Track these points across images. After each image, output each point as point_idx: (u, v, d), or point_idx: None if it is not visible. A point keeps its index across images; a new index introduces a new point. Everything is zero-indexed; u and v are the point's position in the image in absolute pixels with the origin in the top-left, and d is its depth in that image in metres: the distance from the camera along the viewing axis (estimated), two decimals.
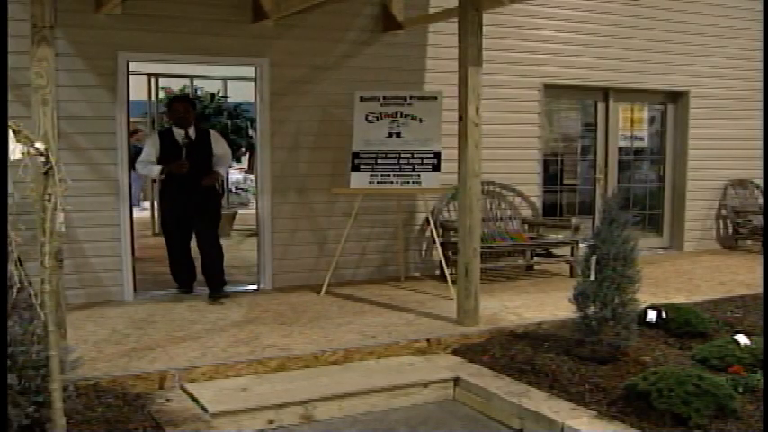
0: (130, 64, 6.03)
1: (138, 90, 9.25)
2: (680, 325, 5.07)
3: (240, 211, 11.10)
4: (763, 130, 8.46)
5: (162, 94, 10.97)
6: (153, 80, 9.99)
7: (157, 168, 5.93)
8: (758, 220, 8.79)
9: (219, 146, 6.11)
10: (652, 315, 5.16)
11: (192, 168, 5.82)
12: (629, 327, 4.47)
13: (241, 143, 10.53)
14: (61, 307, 4.17)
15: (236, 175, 14.20)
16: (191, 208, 5.90)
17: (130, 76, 6.10)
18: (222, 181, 6.06)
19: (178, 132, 5.95)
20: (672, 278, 7.17)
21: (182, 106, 6.01)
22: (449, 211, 7.27)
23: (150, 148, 5.99)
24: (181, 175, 5.83)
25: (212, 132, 6.23)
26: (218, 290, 6.06)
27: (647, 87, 8.44)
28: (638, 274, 4.48)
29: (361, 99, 6.54)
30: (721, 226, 9.11)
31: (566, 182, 8.60)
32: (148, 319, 5.46)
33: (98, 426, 3.53)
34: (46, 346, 2.98)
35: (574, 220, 7.46)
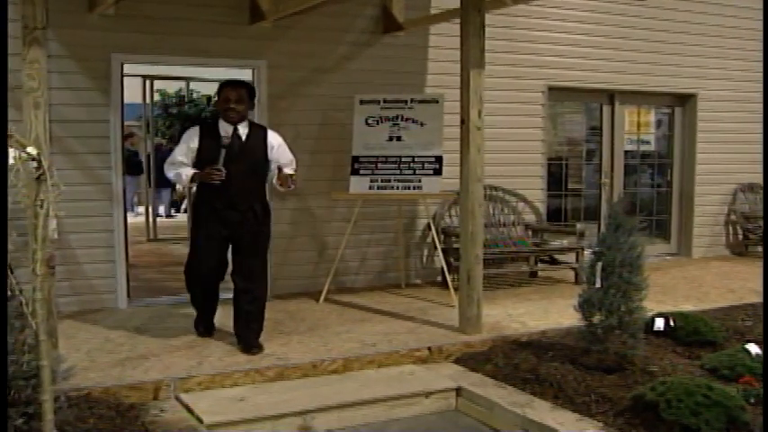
0: (125, 66, 6.03)
1: (133, 92, 9.25)
2: (689, 334, 5.06)
3: None
4: (764, 131, 8.46)
5: (157, 97, 11.01)
6: (148, 82, 9.99)
7: (186, 175, 4.61)
8: None
9: (280, 152, 4.75)
10: (660, 323, 5.15)
11: (234, 179, 4.49)
12: (636, 335, 4.46)
13: None
14: (53, 315, 4.16)
15: None
16: (231, 231, 4.65)
17: (125, 79, 6.09)
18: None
19: (225, 129, 4.62)
20: (680, 285, 7.15)
21: (234, 93, 4.58)
22: (450, 216, 7.26)
23: (185, 145, 4.64)
24: (220, 187, 4.50)
25: (271, 133, 4.79)
26: (255, 343, 4.76)
27: (654, 90, 8.44)
28: (644, 282, 4.46)
29: (361, 102, 6.53)
30: (731, 231, 9.10)
31: (570, 186, 8.59)
32: (143, 327, 5.44)
33: None
34: (37, 355, 2.97)
35: (579, 226, 7.45)
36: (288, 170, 4.69)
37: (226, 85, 4.67)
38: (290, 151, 4.86)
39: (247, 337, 4.74)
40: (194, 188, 4.82)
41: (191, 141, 4.65)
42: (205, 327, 5.12)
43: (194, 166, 4.62)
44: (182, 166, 4.65)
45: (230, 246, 4.74)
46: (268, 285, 4.90)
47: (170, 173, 4.71)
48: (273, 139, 4.76)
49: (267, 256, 4.93)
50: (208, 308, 5.07)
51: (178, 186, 5.29)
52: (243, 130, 4.65)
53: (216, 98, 4.72)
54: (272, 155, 4.72)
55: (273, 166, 4.71)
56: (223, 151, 4.53)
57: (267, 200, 4.83)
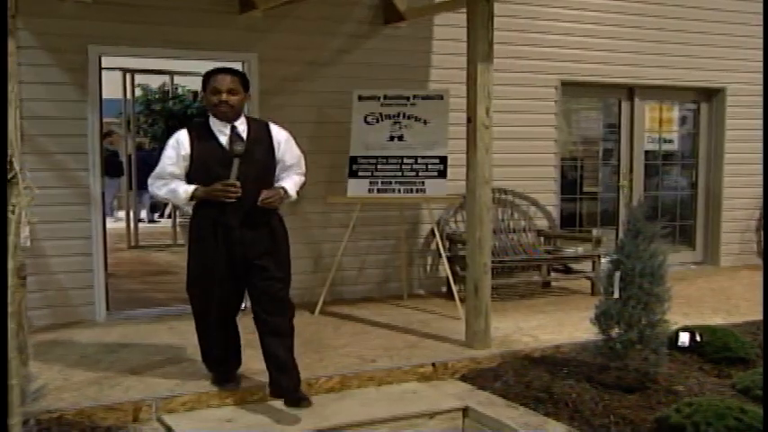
0: (103, 58, 6.03)
1: (112, 87, 9.26)
2: (717, 350, 5.04)
3: None
4: (764, 131, 8.47)
5: (138, 92, 11.01)
6: (128, 76, 10.01)
7: (185, 192, 3.97)
8: None
9: (286, 148, 4.18)
10: (685, 338, 5.14)
11: (244, 190, 3.91)
12: (659, 351, 4.45)
13: None
14: (23, 329, 4.12)
15: None
16: (245, 254, 4.03)
17: (103, 72, 6.09)
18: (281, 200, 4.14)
19: (220, 129, 4.01)
20: (707, 297, 7.14)
21: (225, 82, 3.96)
22: (456, 221, 7.25)
23: (174, 154, 4.00)
24: (230, 205, 3.93)
25: (275, 127, 4.21)
26: (302, 394, 4.18)
27: (678, 84, 8.43)
28: (667, 293, 4.46)
29: (360, 98, 6.53)
30: (762, 238, 9.07)
31: (586, 189, 8.58)
32: (123, 342, 5.42)
33: None
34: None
35: (595, 232, 7.44)
36: (288, 181, 4.14)
37: (214, 74, 3.99)
38: (298, 146, 4.28)
39: (289, 388, 4.11)
40: (191, 205, 4.18)
41: (180, 148, 3.98)
42: (224, 374, 4.40)
43: (190, 178, 4.00)
44: (173, 179, 3.98)
45: (244, 272, 4.10)
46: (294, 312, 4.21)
47: (160, 190, 4.02)
48: (278, 133, 4.16)
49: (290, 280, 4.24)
50: (225, 353, 4.36)
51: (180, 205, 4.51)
52: (242, 127, 4.03)
53: (202, 92, 4.06)
54: (278, 153, 4.13)
55: (278, 168, 4.16)
56: (236, 162, 3.84)
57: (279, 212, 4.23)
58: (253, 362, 4.92)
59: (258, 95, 6.41)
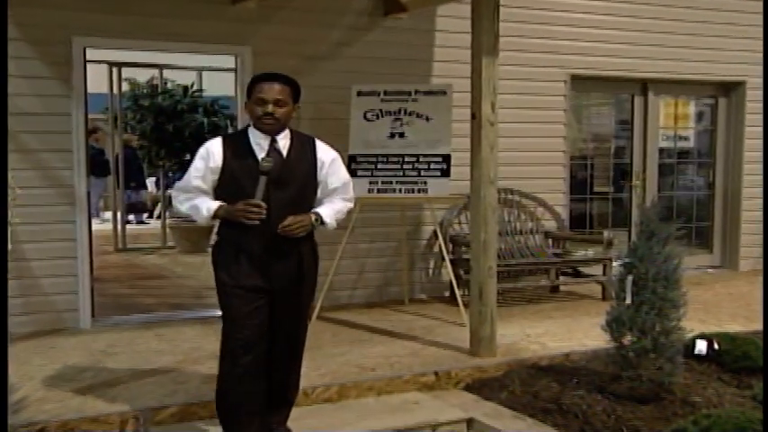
0: (88, 51, 6.03)
1: (98, 82, 9.25)
2: (736, 359, 5.03)
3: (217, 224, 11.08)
4: (764, 131, 8.47)
5: (125, 87, 11.00)
6: (115, 70, 10.01)
7: (208, 210, 3.68)
8: None
9: (331, 170, 3.84)
10: (702, 346, 5.13)
11: (275, 211, 3.59)
12: (674, 360, 4.44)
13: None
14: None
15: None
16: (272, 284, 3.73)
17: (88, 65, 6.10)
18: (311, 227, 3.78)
19: (259, 142, 3.70)
20: (725, 302, 7.13)
21: (273, 90, 3.67)
22: (460, 223, 7.25)
23: (202, 165, 3.70)
24: (254, 228, 3.59)
25: (322, 145, 3.87)
26: (283, 429, 4.03)
27: (694, 77, 8.42)
28: (683, 298, 4.45)
29: (359, 94, 6.53)
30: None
31: (596, 189, 8.58)
32: (109, 350, 5.42)
33: None
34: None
35: (606, 234, 7.43)
36: (327, 206, 3.79)
37: (260, 80, 3.69)
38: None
39: (273, 422, 3.97)
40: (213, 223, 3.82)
41: (210, 159, 3.66)
42: (253, 409, 3.83)
43: (217, 193, 3.71)
44: (199, 194, 3.70)
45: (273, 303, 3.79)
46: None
47: (182, 205, 3.76)
48: (325, 152, 3.82)
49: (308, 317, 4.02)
50: (257, 384, 3.82)
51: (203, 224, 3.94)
52: (283, 142, 3.71)
53: (246, 100, 3.75)
54: (320, 175, 3.79)
55: (320, 191, 3.82)
56: (263, 179, 3.53)
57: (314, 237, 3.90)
58: None
59: None
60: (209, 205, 3.67)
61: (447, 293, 7.10)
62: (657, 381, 4.45)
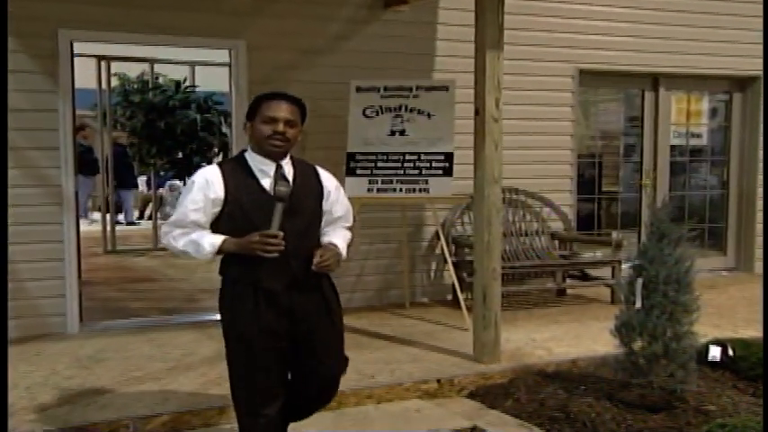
0: (75, 44, 6.03)
1: (86, 76, 9.25)
2: (752, 365, 5.02)
3: None
4: (764, 131, 8.46)
5: (115, 82, 11.00)
6: (104, 64, 10.01)
7: (211, 245, 3.37)
8: None
9: (337, 198, 3.70)
10: (716, 352, 5.13)
11: (291, 244, 3.35)
12: (687, 366, 4.44)
13: (213, 142, 10.55)
14: None
15: None
16: (293, 325, 3.48)
17: (75, 59, 6.09)
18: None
19: (261, 168, 3.46)
20: (740, 306, 7.13)
21: (284, 111, 3.45)
22: (463, 224, 7.25)
23: (200, 195, 3.40)
24: (273, 259, 3.32)
25: (324, 173, 3.72)
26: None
27: (708, 72, 8.41)
28: (695, 302, 4.45)
29: (358, 90, 6.53)
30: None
31: (605, 188, 8.58)
32: (97, 356, 5.42)
33: None
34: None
35: (615, 235, 7.43)
36: (336, 236, 3.63)
37: (268, 98, 3.46)
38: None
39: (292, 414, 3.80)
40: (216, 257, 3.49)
41: (210, 189, 3.37)
42: None
43: (217, 229, 3.41)
44: (196, 228, 3.37)
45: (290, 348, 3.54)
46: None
47: (177, 242, 3.40)
48: (328, 180, 3.67)
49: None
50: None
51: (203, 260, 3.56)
52: (288, 168, 3.49)
53: (247, 121, 3.50)
54: (326, 203, 3.63)
55: (324, 221, 3.64)
56: (279, 207, 3.29)
57: None
58: None
59: (247, 86, 6.42)
60: (211, 240, 3.35)
61: (449, 297, 7.09)
62: (669, 388, 4.45)
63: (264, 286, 3.37)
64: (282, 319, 3.41)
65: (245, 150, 3.53)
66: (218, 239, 3.36)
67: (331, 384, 3.72)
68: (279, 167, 3.44)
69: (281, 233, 3.26)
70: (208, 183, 3.38)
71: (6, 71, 3.74)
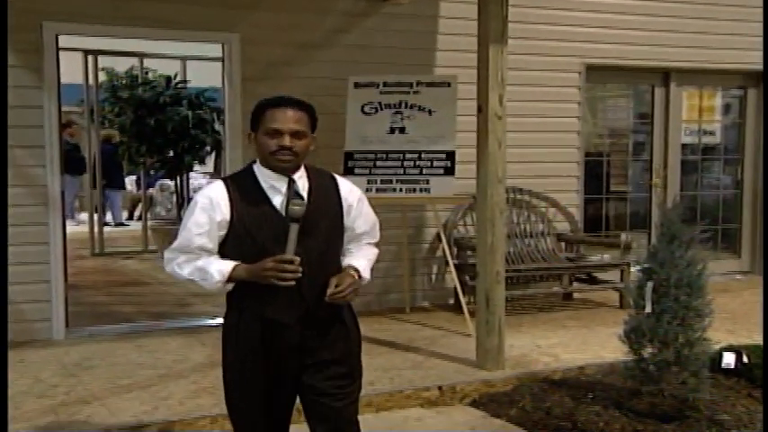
0: (60, 37, 6.03)
1: (72, 71, 9.25)
2: None
3: None
4: (764, 131, 8.44)
5: (102, 77, 10.99)
6: (90, 58, 10.01)
7: (220, 272, 3.08)
8: None
9: (361, 211, 3.39)
10: (730, 359, 5.12)
11: (308, 269, 3.05)
12: (700, 374, 4.43)
13: (205, 140, 10.53)
14: None
15: (199, 179, 14.21)
16: (303, 363, 3.16)
17: (61, 53, 6.09)
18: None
19: (272, 183, 3.16)
20: (754, 311, 7.10)
21: (289, 119, 3.14)
22: (465, 225, 7.25)
23: (204, 218, 3.13)
24: (284, 293, 3.04)
25: (344, 183, 3.38)
26: None
27: (721, 66, 8.41)
28: (708, 306, 4.45)
29: (357, 85, 6.53)
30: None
31: (613, 188, 8.58)
32: (84, 363, 5.41)
33: None
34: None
35: (624, 237, 7.43)
36: (358, 256, 3.34)
37: (270, 106, 3.17)
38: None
39: None
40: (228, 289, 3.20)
41: (216, 211, 3.10)
42: None
43: (223, 251, 3.15)
44: (203, 254, 3.12)
45: (299, 387, 3.22)
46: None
47: (182, 269, 3.14)
48: (349, 192, 3.34)
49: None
50: None
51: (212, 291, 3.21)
52: (301, 182, 3.19)
53: (250, 131, 3.24)
54: (348, 219, 3.31)
55: (346, 237, 3.34)
56: (294, 229, 3.01)
57: None
58: None
59: (240, 82, 6.42)
60: (220, 267, 3.06)
61: (451, 301, 7.09)
62: (681, 397, 4.44)
63: (272, 318, 3.07)
64: (292, 358, 3.11)
65: (253, 162, 3.23)
66: (227, 266, 3.06)
67: (348, 422, 3.29)
68: (291, 183, 3.13)
69: (298, 258, 2.97)
70: (212, 203, 3.10)
71: (6, 70, 3.77)
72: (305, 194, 3.15)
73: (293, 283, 2.98)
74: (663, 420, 4.38)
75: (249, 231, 3.08)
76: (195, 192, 14.94)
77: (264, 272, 2.98)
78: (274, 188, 3.13)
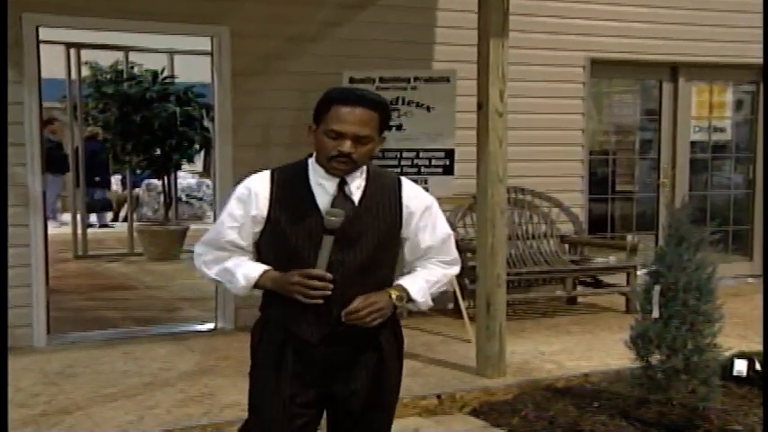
0: (41, 30, 6.01)
1: (54, 65, 9.23)
2: None
3: (193, 226, 11.09)
4: (764, 130, 8.46)
5: (86, 71, 10.97)
6: (73, 52, 9.98)
7: (246, 278, 2.90)
8: None
9: (427, 222, 3.00)
10: (741, 367, 5.12)
11: (342, 284, 2.81)
12: (710, 382, 4.43)
13: (194, 138, 10.53)
14: None
15: (188, 179, 14.22)
16: (332, 387, 2.95)
17: (42, 47, 6.08)
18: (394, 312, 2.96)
19: (321, 182, 2.91)
20: None
21: (357, 120, 2.84)
22: (465, 226, 7.25)
23: (240, 210, 2.93)
24: (313, 309, 2.82)
25: (409, 187, 3.02)
26: None
27: (732, 60, 8.41)
28: (718, 311, 4.45)
29: (352, 81, 6.51)
30: None
31: (619, 188, 8.59)
32: (66, 371, 5.40)
33: None
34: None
35: (630, 239, 7.43)
36: (415, 277, 2.99)
37: (338, 101, 2.87)
38: (448, 223, 3.14)
39: None
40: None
41: (252, 204, 2.89)
42: None
43: (261, 252, 2.98)
44: (234, 252, 2.94)
45: (325, 410, 3.04)
46: None
47: (210, 267, 2.97)
48: (414, 198, 2.99)
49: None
50: None
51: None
52: (357, 183, 2.92)
53: (313, 125, 2.95)
54: (407, 230, 2.97)
55: (408, 252, 3.01)
56: (328, 241, 2.78)
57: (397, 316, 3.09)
58: (227, 393, 4.90)
59: (230, 77, 6.41)
60: (246, 270, 2.88)
61: (450, 305, 7.07)
62: (690, 406, 4.44)
63: (296, 333, 2.87)
64: (316, 384, 2.90)
65: (310, 156, 2.97)
66: (255, 271, 2.88)
67: None
68: (343, 185, 2.87)
69: (329, 275, 2.75)
70: (251, 195, 2.89)
71: (6, 72, 3.76)
72: (357, 196, 2.90)
73: (320, 301, 2.76)
74: (671, 431, 4.38)
75: (283, 231, 2.87)
76: (183, 192, 14.97)
77: (290, 285, 2.79)
78: (323, 187, 2.89)
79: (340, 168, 2.84)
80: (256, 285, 2.88)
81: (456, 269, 3.10)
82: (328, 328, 2.83)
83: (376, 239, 2.87)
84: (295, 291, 2.76)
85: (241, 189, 2.93)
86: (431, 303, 2.99)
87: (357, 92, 2.89)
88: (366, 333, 2.87)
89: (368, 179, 2.94)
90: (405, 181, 3.02)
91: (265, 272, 2.86)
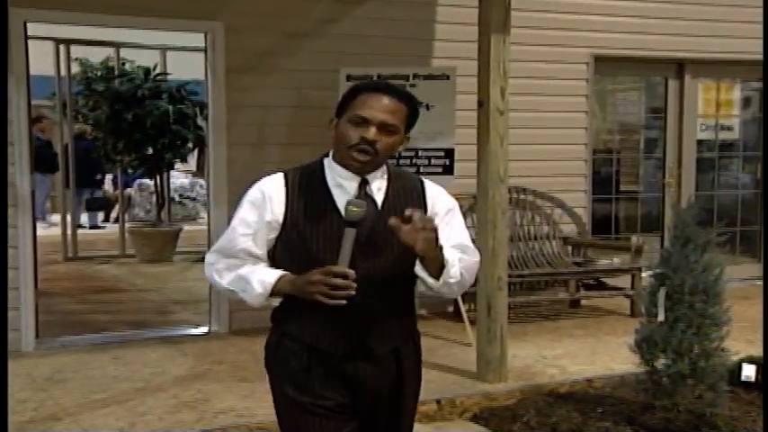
0: (29, 25, 6.02)
1: (43, 62, 9.22)
2: None
3: (186, 227, 11.10)
4: (764, 130, 8.50)
5: (76, 68, 10.97)
6: (63, 48, 9.98)
7: (262, 284, 2.74)
8: None
9: (450, 223, 3.01)
10: (749, 372, 5.12)
11: (364, 290, 2.65)
12: (717, 387, 4.43)
13: (187, 136, 10.52)
14: None
15: (181, 178, 14.21)
16: (354, 398, 2.84)
17: (30, 42, 6.08)
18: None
19: (340, 182, 2.80)
20: None
21: (385, 108, 2.82)
22: (465, 227, 7.23)
23: (254, 215, 2.82)
24: (336, 310, 2.63)
25: (432, 188, 3.04)
26: None
27: (740, 57, 8.41)
28: (725, 314, 4.45)
29: (349, 78, 6.50)
30: None
31: (623, 188, 8.59)
32: (56, 376, 5.40)
33: None
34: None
35: (635, 240, 7.43)
36: (450, 250, 2.85)
37: (366, 90, 2.84)
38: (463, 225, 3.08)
39: None
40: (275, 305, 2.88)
41: (266, 208, 2.79)
42: None
43: (276, 257, 2.84)
44: (247, 259, 2.80)
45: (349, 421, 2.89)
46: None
47: (223, 276, 2.82)
48: (437, 199, 3.00)
49: None
50: None
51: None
52: (378, 184, 2.83)
53: (335, 118, 2.88)
54: (443, 234, 2.84)
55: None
56: (350, 234, 2.63)
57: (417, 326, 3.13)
58: (222, 399, 4.90)
59: (224, 74, 6.41)
60: (263, 276, 2.73)
61: (450, 308, 7.08)
62: (697, 412, 4.44)
63: (312, 344, 2.75)
64: (342, 391, 2.78)
65: (326, 155, 2.88)
66: (271, 276, 2.72)
67: None
68: (364, 184, 2.78)
69: (352, 272, 2.59)
70: (265, 198, 2.78)
71: (6, 71, 3.75)
72: (380, 198, 2.81)
73: (344, 302, 2.59)
74: None
75: (301, 236, 2.74)
76: (176, 192, 14.98)
77: (310, 285, 2.61)
78: (342, 188, 2.77)
79: (360, 160, 2.73)
80: (273, 291, 2.72)
81: (476, 259, 2.98)
82: (352, 340, 2.74)
83: (400, 243, 2.66)
84: (316, 291, 2.59)
85: (254, 192, 2.82)
86: (458, 278, 2.81)
87: (387, 82, 2.87)
88: (387, 340, 2.84)
89: (389, 180, 2.86)
90: (427, 182, 3.00)
91: (282, 276, 2.71)
